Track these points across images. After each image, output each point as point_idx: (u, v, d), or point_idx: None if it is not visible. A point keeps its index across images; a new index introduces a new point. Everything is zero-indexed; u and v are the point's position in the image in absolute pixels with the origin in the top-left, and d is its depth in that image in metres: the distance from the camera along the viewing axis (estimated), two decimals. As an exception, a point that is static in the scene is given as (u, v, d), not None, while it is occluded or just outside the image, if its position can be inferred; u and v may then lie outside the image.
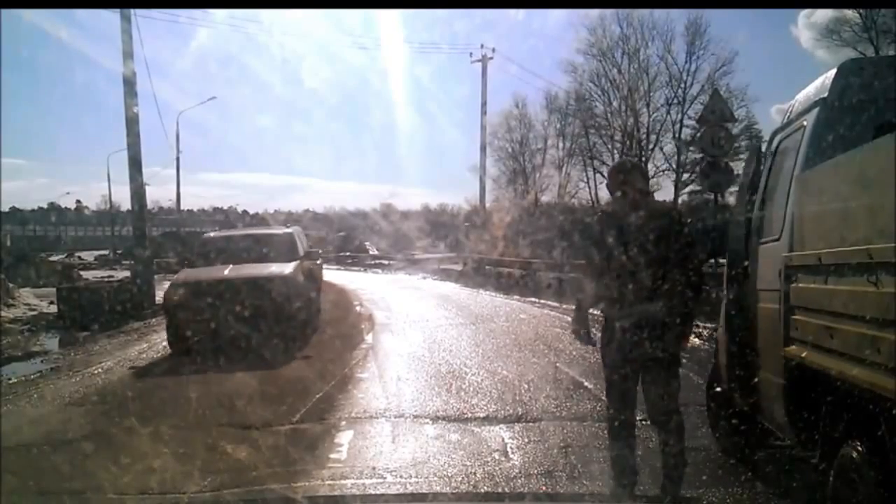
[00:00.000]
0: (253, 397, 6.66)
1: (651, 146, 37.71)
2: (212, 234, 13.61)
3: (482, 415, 6.02)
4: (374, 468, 4.77)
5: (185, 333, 9.55)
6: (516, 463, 4.76)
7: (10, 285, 17.00)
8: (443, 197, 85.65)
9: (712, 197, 13.01)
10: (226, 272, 10.19)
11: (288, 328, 9.69)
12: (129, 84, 16.56)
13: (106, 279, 21.57)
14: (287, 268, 10.37)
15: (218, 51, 64.58)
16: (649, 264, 3.51)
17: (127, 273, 21.35)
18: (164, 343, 10.29)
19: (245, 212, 61.80)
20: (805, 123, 3.88)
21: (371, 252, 38.84)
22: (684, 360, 4.12)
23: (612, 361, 3.68)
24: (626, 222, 3.61)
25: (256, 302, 9.43)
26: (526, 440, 5.27)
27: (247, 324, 9.11)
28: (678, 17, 37.32)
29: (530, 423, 5.70)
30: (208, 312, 9.33)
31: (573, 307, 4.08)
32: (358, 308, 15.50)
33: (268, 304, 9.58)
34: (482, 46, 34.16)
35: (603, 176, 40.00)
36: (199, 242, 13.14)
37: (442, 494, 4.07)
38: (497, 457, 4.90)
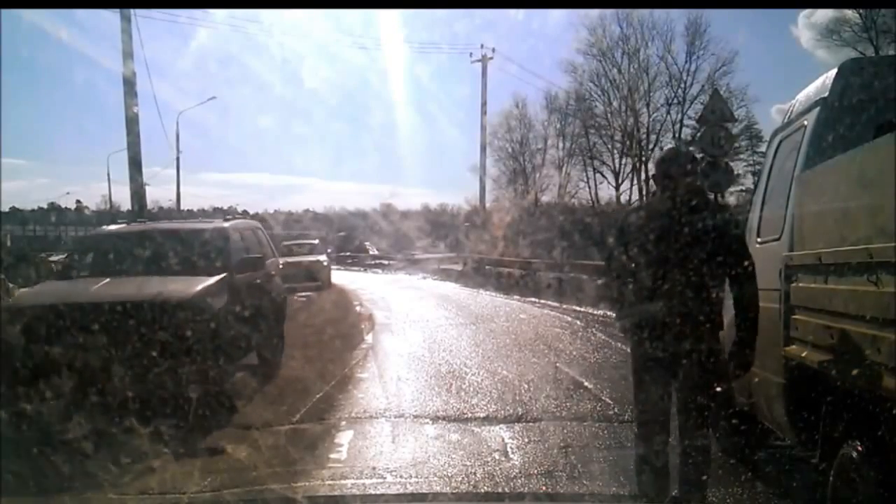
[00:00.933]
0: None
1: (651, 146, 37.81)
2: (106, 229, 8.96)
3: (482, 415, 6.02)
4: (374, 468, 4.78)
5: (21, 400, 5.80)
6: (516, 463, 4.76)
7: (10, 285, 16.91)
8: (443, 197, 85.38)
9: (712, 197, 12.98)
10: (94, 289, 6.45)
11: (191, 387, 5.97)
12: (129, 84, 16.63)
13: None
14: (197, 284, 6.50)
15: (218, 51, 64.21)
16: (653, 263, 3.46)
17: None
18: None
19: (245, 212, 61.59)
20: (805, 123, 3.88)
21: (371, 252, 38.86)
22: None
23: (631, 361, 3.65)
24: (662, 219, 3.40)
25: (136, 341, 5.90)
26: (526, 440, 5.27)
27: (120, 380, 5.79)
28: (678, 17, 37.50)
29: (530, 423, 5.71)
30: (57, 361, 5.87)
31: (614, 312, 3.87)
32: (358, 308, 15.50)
33: (157, 343, 5.90)
34: (482, 46, 34.26)
35: (603, 176, 40.10)
36: (86, 240, 9.34)
37: (442, 494, 4.07)
38: (497, 457, 4.90)
